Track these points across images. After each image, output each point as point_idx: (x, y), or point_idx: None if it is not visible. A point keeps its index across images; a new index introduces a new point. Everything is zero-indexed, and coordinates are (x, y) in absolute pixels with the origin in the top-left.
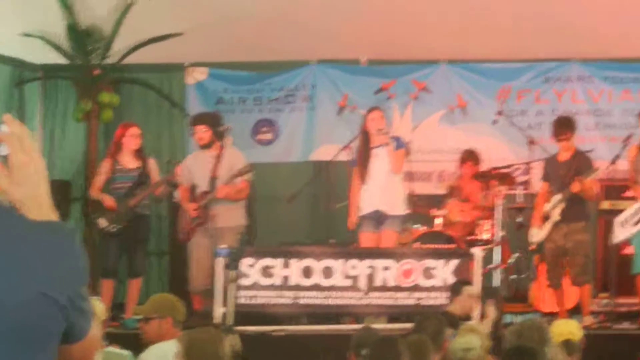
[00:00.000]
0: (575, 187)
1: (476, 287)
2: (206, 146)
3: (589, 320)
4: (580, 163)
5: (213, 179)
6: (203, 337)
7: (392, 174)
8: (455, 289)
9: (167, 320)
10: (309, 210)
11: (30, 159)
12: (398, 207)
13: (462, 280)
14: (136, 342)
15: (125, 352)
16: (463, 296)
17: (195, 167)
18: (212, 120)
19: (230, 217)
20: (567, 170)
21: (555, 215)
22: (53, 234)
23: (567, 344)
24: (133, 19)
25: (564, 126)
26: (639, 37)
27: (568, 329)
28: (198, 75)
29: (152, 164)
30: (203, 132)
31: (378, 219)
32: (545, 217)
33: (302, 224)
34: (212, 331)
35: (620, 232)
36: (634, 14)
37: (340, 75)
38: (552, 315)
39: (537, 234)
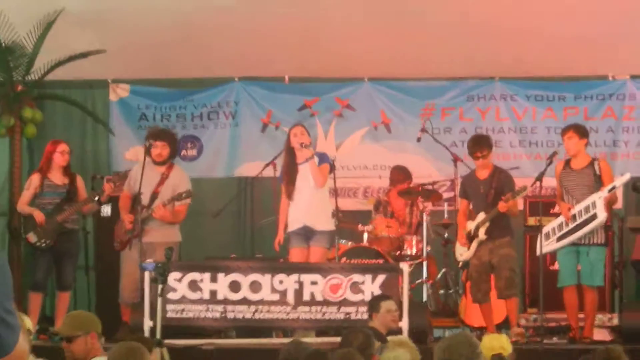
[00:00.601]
0: (502, 208)
1: (397, 303)
2: (162, 163)
3: (518, 330)
4: (500, 181)
5: (154, 195)
6: (128, 351)
7: (318, 189)
8: (372, 306)
9: (92, 335)
10: (234, 225)
11: None
12: (326, 223)
13: (378, 296)
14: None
15: None
16: (381, 312)
17: (138, 180)
18: (172, 138)
19: (164, 234)
20: (487, 188)
21: (481, 235)
22: None
23: (497, 359)
24: (56, 36)
25: (479, 144)
26: (560, 57)
27: (499, 344)
28: (120, 92)
29: (80, 181)
30: (163, 148)
31: (306, 234)
32: (470, 236)
33: (228, 239)
34: (136, 345)
35: (545, 245)
36: (555, 34)
37: (263, 92)
38: (481, 330)
39: (463, 252)
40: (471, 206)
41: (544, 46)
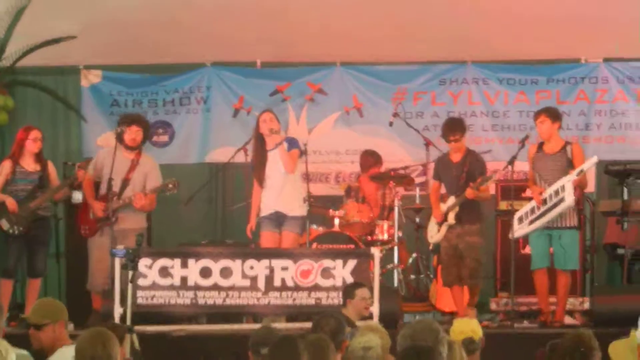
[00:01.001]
0: (470, 194)
1: (369, 288)
2: (134, 148)
3: (470, 311)
4: (472, 164)
5: (125, 181)
6: (95, 337)
7: (289, 175)
8: (347, 292)
9: (61, 324)
10: (206, 211)
11: None
12: (297, 208)
13: (354, 283)
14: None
15: (24, 352)
16: (356, 299)
17: (108, 165)
18: (146, 124)
19: (134, 220)
20: (459, 172)
21: (450, 220)
22: None
23: (468, 342)
24: (27, 22)
25: (453, 127)
26: (531, 39)
27: (469, 328)
28: (92, 77)
29: (52, 168)
30: (137, 133)
31: (278, 219)
32: (442, 218)
33: (199, 225)
34: (103, 330)
35: (517, 229)
36: (526, 16)
37: (235, 77)
38: (452, 315)
39: (434, 234)
40: (443, 189)
41: (516, 29)
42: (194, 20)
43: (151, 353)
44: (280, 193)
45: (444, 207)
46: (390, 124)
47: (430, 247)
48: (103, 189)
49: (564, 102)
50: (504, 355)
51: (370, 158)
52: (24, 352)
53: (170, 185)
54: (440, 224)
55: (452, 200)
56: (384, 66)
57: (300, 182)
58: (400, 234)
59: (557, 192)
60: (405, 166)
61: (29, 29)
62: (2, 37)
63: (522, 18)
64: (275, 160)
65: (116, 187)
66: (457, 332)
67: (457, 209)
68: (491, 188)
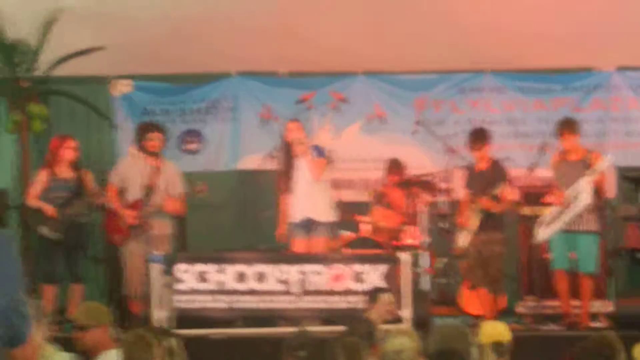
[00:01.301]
0: (485, 204)
1: (398, 292)
2: (156, 154)
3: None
4: (496, 173)
5: (149, 188)
6: (136, 340)
7: (315, 182)
8: (372, 297)
9: (104, 329)
10: (237, 217)
11: None
12: (326, 214)
13: (378, 288)
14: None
15: (70, 355)
16: (380, 304)
17: (130, 173)
18: (163, 130)
19: (163, 225)
20: (484, 180)
21: (474, 227)
22: None
23: (497, 346)
24: (58, 34)
25: (476, 137)
26: (546, 49)
27: (497, 331)
28: (123, 87)
29: (88, 175)
30: (158, 139)
31: (308, 226)
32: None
33: (231, 230)
34: (144, 333)
35: (542, 233)
36: (540, 27)
37: (261, 86)
38: (480, 318)
39: (463, 239)
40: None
41: (530, 39)
42: (219, 31)
43: (190, 356)
44: (309, 199)
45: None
46: (414, 132)
47: (460, 252)
48: (129, 197)
49: (580, 110)
50: (531, 358)
51: (394, 166)
52: (69, 355)
53: (199, 188)
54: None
55: (473, 207)
56: (404, 75)
57: (328, 188)
58: (428, 239)
59: (575, 194)
60: (429, 173)
61: (62, 40)
62: (35, 48)
63: (535, 29)
64: (303, 168)
65: (138, 194)
66: (487, 335)
67: (480, 216)
68: (514, 194)
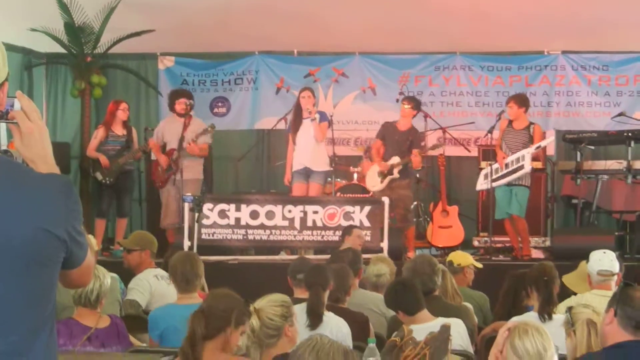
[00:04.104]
0: (415, 158)
1: (378, 226)
2: (184, 115)
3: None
4: (415, 136)
5: (181, 138)
6: (186, 256)
7: (317, 140)
8: (346, 231)
9: (146, 252)
10: (254, 167)
11: (36, 126)
12: (322, 165)
13: (352, 225)
14: (122, 268)
15: (115, 275)
16: (353, 236)
17: (167, 130)
18: (189, 95)
19: (193, 172)
20: (404, 139)
21: (395, 174)
22: (54, 183)
23: (453, 267)
24: (117, 18)
25: (409, 99)
26: (505, 36)
27: (458, 258)
28: (167, 62)
29: (134, 132)
30: (183, 103)
31: (306, 173)
32: (385, 173)
33: (249, 177)
34: (193, 253)
35: (481, 184)
36: (501, 17)
37: (277, 63)
38: (444, 249)
39: (376, 184)
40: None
41: (493, 27)
42: (244, 18)
43: (212, 277)
44: (309, 152)
45: (389, 163)
46: (397, 100)
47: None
48: (167, 148)
49: (531, 85)
50: (484, 282)
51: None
52: (114, 275)
53: (209, 129)
54: (384, 176)
55: (396, 159)
56: (392, 55)
57: (325, 144)
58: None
59: (517, 160)
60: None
61: (118, 23)
62: (98, 30)
63: (497, 18)
64: (307, 127)
65: (175, 145)
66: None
67: (400, 166)
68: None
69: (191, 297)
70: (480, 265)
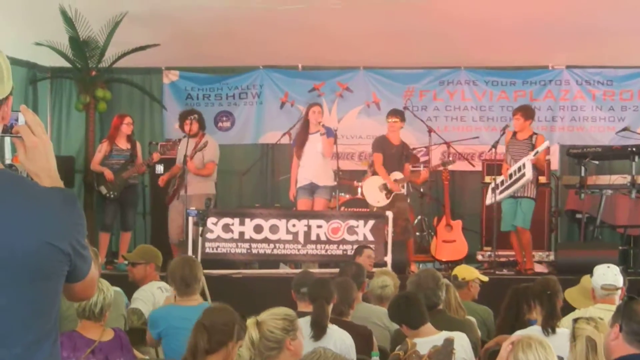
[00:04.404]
0: (425, 173)
1: (381, 241)
2: (194, 135)
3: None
4: (407, 151)
5: (185, 156)
6: (185, 260)
7: (324, 155)
8: (357, 251)
9: (151, 266)
10: (258, 181)
11: (40, 140)
12: (327, 180)
13: (363, 245)
14: (126, 282)
15: (118, 289)
16: (363, 257)
17: (179, 150)
18: (196, 114)
19: (199, 187)
20: (399, 153)
21: (402, 190)
22: (58, 197)
23: (457, 281)
24: (121, 33)
25: (394, 112)
26: (510, 51)
27: (463, 272)
28: (172, 76)
29: (139, 147)
30: (192, 124)
31: (311, 189)
32: (389, 190)
33: (253, 192)
34: (191, 257)
35: (489, 198)
36: (506, 33)
37: (282, 77)
38: (448, 264)
39: (381, 200)
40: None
41: (498, 43)
42: (249, 32)
43: (216, 290)
44: (314, 167)
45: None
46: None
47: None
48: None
49: (535, 100)
50: (488, 295)
51: None
52: (118, 289)
53: (202, 145)
54: (390, 193)
55: (399, 174)
56: (396, 70)
57: (330, 159)
58: (408, 200)
59: (519, 169)
60: (412, 148)
61: (123, 38)
62: (102, 45)
63: (501, 34)
64: (314, 142)
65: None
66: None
67: (404, 182)
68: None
69: (190, 299)
70: (485, 279)
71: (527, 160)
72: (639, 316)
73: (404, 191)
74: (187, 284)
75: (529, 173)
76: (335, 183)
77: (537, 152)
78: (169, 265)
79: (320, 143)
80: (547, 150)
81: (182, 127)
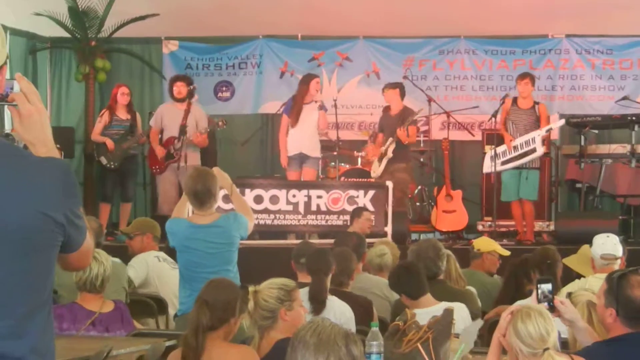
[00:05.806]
0: (400, 133)
1: (382, 210)
2: (181, 100)
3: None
4: (405, 114)
5: (183, 127)
6: (196, 175)
7: (311, 125)
8: (356, 213)
9: (148, 236)
10: (258, 151)
11: (35, 109)
12: (316, 151)
13: (361, 207)
14: (126, 253)
15: (118, 260)
16: (362, 219)
17: (166, 115)
18: (187, 80)
19: (193, 157)
20: (396, 122)
21: (389, 153)
22: (52, 167)
23: (473, 252)
24: (121, 3)
25: (388, 85)
26: (510, 19)
27: (479, 243)
28: (171, 46)
29: (139, 117)
30: (181, 87)
31: (300, 159)
32: (382, 156)
33: (253, 162)
34: (203, 170)
35: (487, 166)
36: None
37: (281, 47)
38: (448, 234)
39: (376, 169)
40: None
41: (498, 11)
42: (249, 2)
43: None
44: (306, 138)
45: (383, 148)
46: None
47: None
48: (165, 135)
49: (535, 69)
50: None
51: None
52: (118, 260)
53: (220, 123)
54: (380, 159)
55: (390, 139)
56: (396, 39)
57: (317, 130)
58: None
59: (528, 142)
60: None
61: (122, 8)
62: (102, 14)
63: (501, 2)
64: (308, 113)
65: (175, 132)
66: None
67: (393, 145)
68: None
69: (205, 214)
70: (506, 253)
71: (538, 136)
72: (634, 303)
73: (390, 154)
74: (201, 201)
75: (539, 149)
76: (321, 155)
77: (550, 129)
78: (184, 178)
79: (315, 113)
80: (548, 117)
81: (170, 91)
